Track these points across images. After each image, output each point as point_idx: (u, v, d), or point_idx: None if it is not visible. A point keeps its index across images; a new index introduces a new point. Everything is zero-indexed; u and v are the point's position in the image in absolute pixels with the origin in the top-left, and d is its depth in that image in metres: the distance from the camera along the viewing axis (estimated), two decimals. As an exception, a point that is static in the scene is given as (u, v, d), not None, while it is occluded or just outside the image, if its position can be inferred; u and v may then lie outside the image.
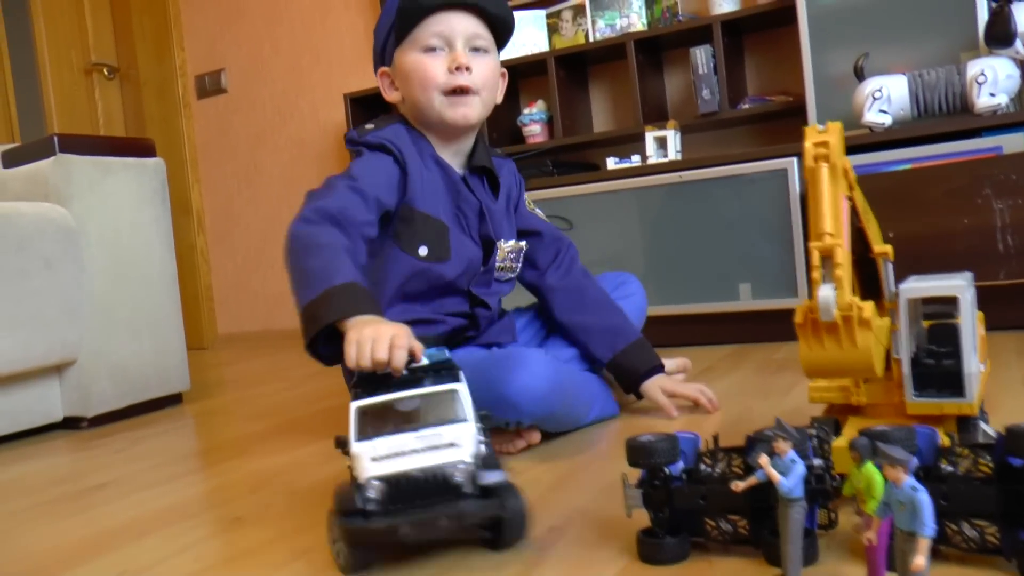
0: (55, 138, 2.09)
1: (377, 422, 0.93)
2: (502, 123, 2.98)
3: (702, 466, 0.87)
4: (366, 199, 1.32)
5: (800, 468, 0.74)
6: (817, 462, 0.80)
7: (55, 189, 2.07)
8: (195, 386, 2.52)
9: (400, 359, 1.00)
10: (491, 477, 0.87)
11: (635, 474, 0.90)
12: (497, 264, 1.52)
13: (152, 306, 2.24)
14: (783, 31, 2.73)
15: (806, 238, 2.15)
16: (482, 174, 1.53)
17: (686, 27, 2.65)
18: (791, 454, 0.75)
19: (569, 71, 2.92)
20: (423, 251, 1.42)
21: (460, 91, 1.40)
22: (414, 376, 1.00)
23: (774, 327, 2.27)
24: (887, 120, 2.11)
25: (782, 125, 2.73)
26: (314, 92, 3.68)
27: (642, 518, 0.88)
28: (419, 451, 0.88)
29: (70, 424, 2.11)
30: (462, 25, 1.40)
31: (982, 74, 2.01)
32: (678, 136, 2.59)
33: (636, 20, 2.84)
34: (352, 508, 0.85)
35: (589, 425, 1.52)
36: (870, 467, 0.71)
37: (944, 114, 2.10)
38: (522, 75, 3.07)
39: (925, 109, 2.10)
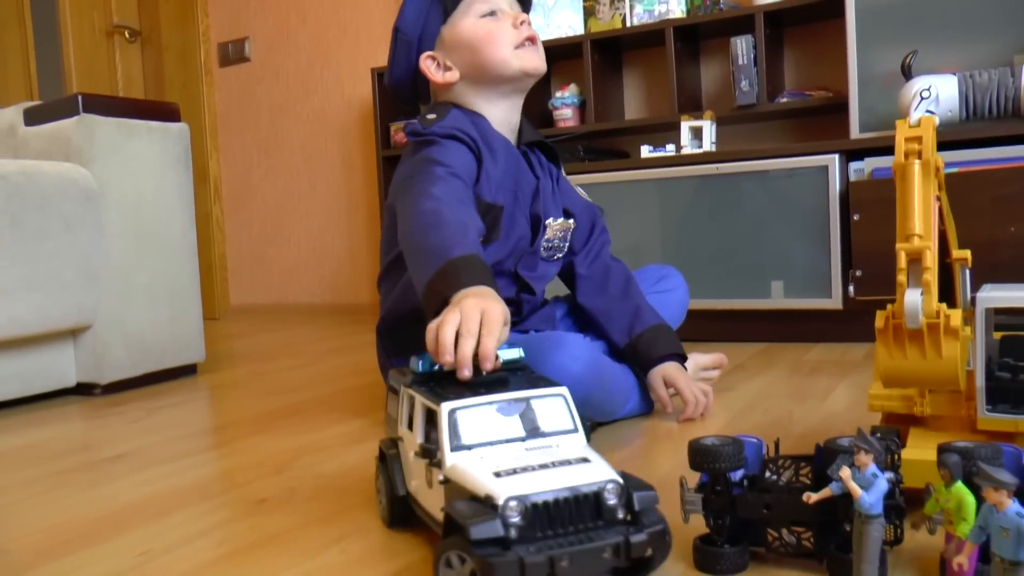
0: (79, 97, 2.04)
1: (469, 429, 0.81)
2: (532, 105, 2.90)
3: (767, 473, 0.82)
4: (465, 182, 1.32)
5: (882, 483, 0.69)
6: (888, 475, 0.76)
7: (77, 149, 2.02)
8: (209, 357, 2.48)
9: (464, 359, 0.90)
10: (646, 499, 0.73)
11: (693, 477, 0.85)
12: (544, 244, 1.50)
13: (171, 274, 2.20)
14: (825, 25, 2.66)
15: (843, 238, 2.11)
16: (538, 149, 1.53)
17: (727, 16, 2.59)
18: (872, 467, 0.70)
19: (604, 56, 2.85)
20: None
21: (528, 41, 1.42)
22: (491, 377, 0.89)
23: (805, 327, 2.22)
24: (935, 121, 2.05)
25: (820, 121, 2.67)
26: (340, 66, 3.62)
27: (698, 524, 0.84)
28: (550, 466, 0.75)
29: (83, 390, 2.07)
30: None
31: (1037, 78, 1.95)
32: (714, 127, 2.53)
33: (675, 6, 2.78)
34: (493, 535, 0.69)
35: (622, 419, 1.47)
36: (961, 487, 0.66)
37: (994, 118, 2.04)
38: (556, 58, 3.00)
39: (974, 111, 2.04)
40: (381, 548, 0.93)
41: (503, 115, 1.46)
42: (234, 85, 3.92)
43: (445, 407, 0.81)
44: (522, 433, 0.82)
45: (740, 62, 2.54)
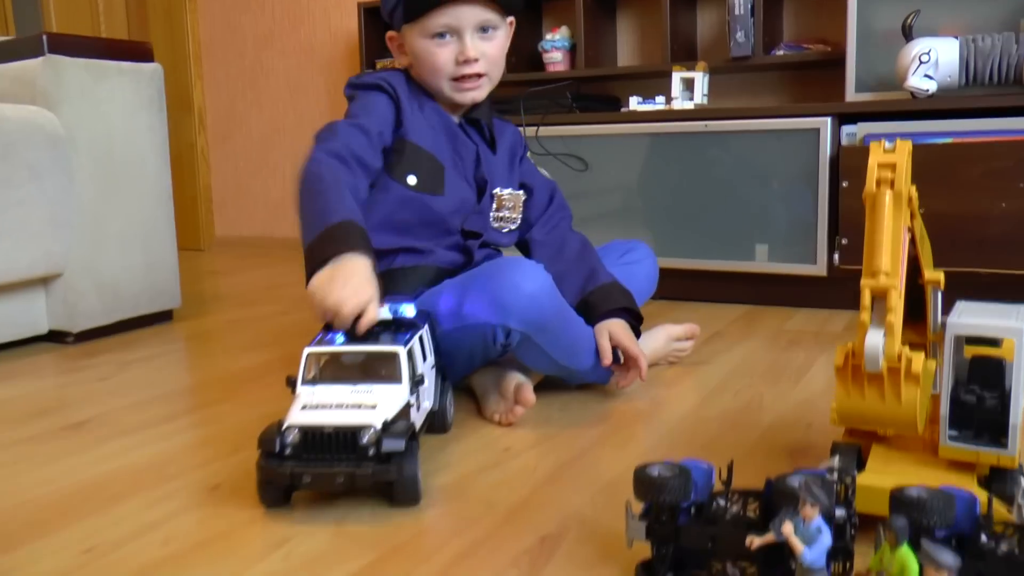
0: (44, 37, 1.96)
1: (323, 369, 1.09)
2: (522, 48, 2.83)
3: (715, 503, 0.80)
4: (368, 133, 1.37)
5: (826, 539, 0.67)
6: (839, 512, 0.74)
7: (43, 92, 1.96)
8: (187, 300, 2.45)
9: (341, 325, 1.09)
10: (391, 445, 0.96)
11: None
12: (494, 213, 1.52)
13: (144, 219, 2.15)
14: (827, -27, 2.56)
15: (831, 203, 2.06)
16: (478, 126, 1.54)
17: (726, -39, 2.48)
18: (818, 521, 0.68)
19: (597, -2, 2.76)
20: (411, 180, 1.43)
21: (472, 77, 1.43)
22: (371, 331, 1.11)
23: (789, 290, 2.19)
24: (932, 87, 1.98)
25: (817, 76, 2.59)
26: (327, -4, 3.51)
27: (643, 546, 0.82)
28: (343, 407, 1.00)
29: (56, 338, 2.04)
30: (470, 16, 1.39)
31: (1040, 45, 1.87)
32: (706, 79, 2.45)
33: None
34: (271, 449, 0.97)
35: (588, 383, 1.48)
36: (906, 552, 0.64)
37: (995, 85, 1.97)
38: (547, -3, 2.91)
39: (974, 78, 1.97)
40: (326, 552, 0.91)
41: (447, 105, 1.50)
42: (218, 13, 3.80)
43: (306, 350, 1.08)
44: (356, 377, 1.07)
45: (737, 11, 2.45)
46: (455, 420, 1.34)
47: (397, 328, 1.13)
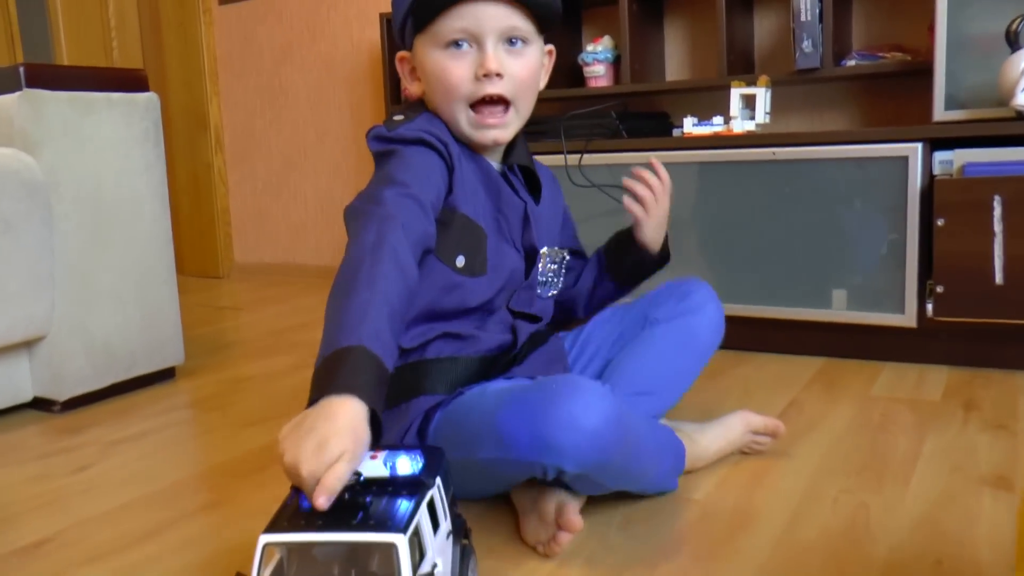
0: (21, 69, 1.73)
1: (292, 564, 0.77)
2: (561, 60, 2.55)
3: None
4: (423, 206, 1.07)
5: None
6: None
7: (21, 132, 1.73)
8: (193, 351, 2.23)
9: (321, 503, 0.75)
10: None
11: None
12: (538, 278, 1.28)
13: (141, 269, 1.92)
14: (903, -29, 2.27)
15: (922, 244, 1.77)
16: (522, 172, 1.27)
17: (789, -39, 2.20)
18: None
19: (643, 4, 2.48)
20: (460, 261, 1.16)
21: (490, 101, 1.14)
22: (358, 502, 0.78)
23: (872, 342, 1.91)
24: (1045, 106, 1.69)
25: (896, 89, 2.30)
26: (348, 7, 3.26)
27: None
28: None
29: (42, 405, 1.82)
30: (493, 18, 1.11)
31: None
32: (769, 95, 2.17)
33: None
34: None
35: (648, 491, 1.21)
36: None
37: (1118, 103, 1.68)
38: (587, 5, 2.64)
39: (1094, 95, 1.68)
40: None
41: (474, 146, 1.21)
42: (235, 25, 3.58)
43: (262, 539, 0.75)
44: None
45: (803, 18, 2.16)
46: (488, 548, 1.08)
47: (396, 490, 0.80)
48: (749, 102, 2.17)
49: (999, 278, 1.67)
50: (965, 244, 1.68)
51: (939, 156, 1.76)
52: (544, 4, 1.14)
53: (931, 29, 2.09)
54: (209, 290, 3.39)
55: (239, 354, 2.29)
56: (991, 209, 1.65)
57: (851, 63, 2.18)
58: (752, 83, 2.18)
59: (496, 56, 1.11)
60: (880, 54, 2.19)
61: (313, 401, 0.83)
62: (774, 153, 1.90)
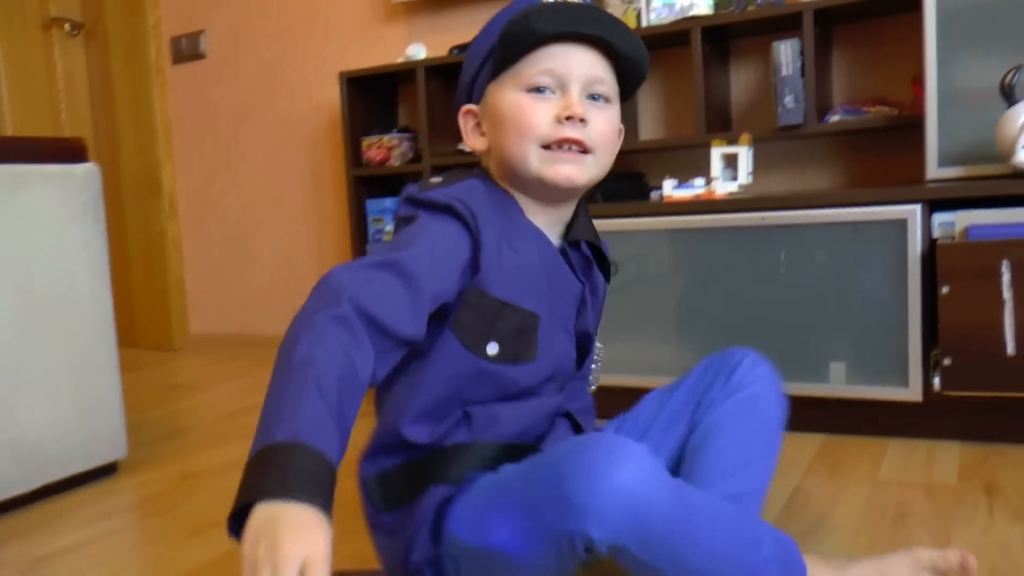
0: (-59, 145, 1.57)
1: None
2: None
3: None
4: (418, 293, 0.91)
5: None
6: None
7: (-59, 213, 1.57)
8: (139, 441, 2.04)
9: None
10: None
11: None
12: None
13: (78, 357, 1.75)
14: (881, 22, 2.18)
15: (925, 313, 1.64)
16: (586, 250, 1.11)
17: (766, 15, 2.11)
18: None
19: (613, 60, 2.37)
20: (492, 349, 1.00)
21: (567, 144, 1.01)
22: None
23: (874, 417, 1.78)
24: (1049, 164, 1.59)
25: (883, 144, 2.21)
26: (306, 65, 3.14)
27: None
28: None
29: (-38, 514, 1.63)
30: (582, 64, 1.01)
31: None
32: (751, 153, 2.06)
33: (700, 0, 2.30)
34: None
35: None
36: None
37: (1126, 159, 1.58)
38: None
39: (1100, 151, 1.58)
40: None
41: (539, 206, 1.07)
42: (189, 85, 3.44)
43: None
44: None
45: (784, 72, 2.07)
46: None
47: None
48: (731, 161, 2.07)
49: (1011, 348, 1.55)
50: (972, 313, 1.56)
51: (939, 218, 1.65)
52: (636, 60, 1.03)
53: (915, 81, 2.01)
54: (162, 365, 3.20)
55: (190, 442, 2.10)
56: (999, 275, 1.53)
57: (835, 118, 2.08)
58: (733, 141, 2.07)
59: (580, 102, 1.00)
60: (864, 108, 2.10)
61: (241, 496, 0.73)
62: (763, 218, 1.78)
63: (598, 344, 1.15)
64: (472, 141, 1.09)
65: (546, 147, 1.01)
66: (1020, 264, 1.52)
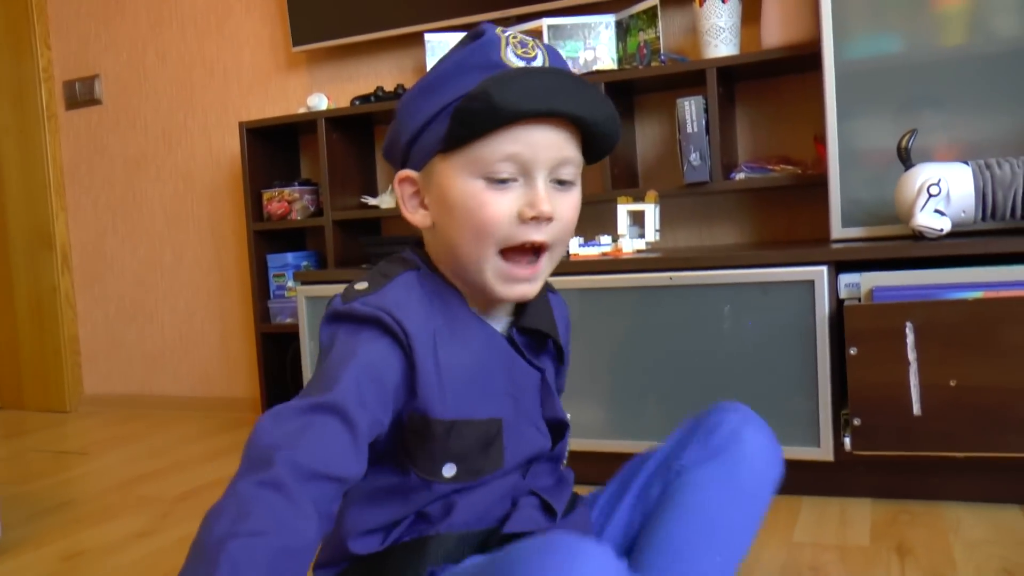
0: None
1: None
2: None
3: None
4: (357, 430, 0.80)
5: None
6: None
7: None
8: (17, 518, 1.89)
9: None
10: None
11: None
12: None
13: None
14: (784, 79, 2.23)
15: (834, 373, 1.63)
16: (536, 335, 1.00)
17: (671, 72, 2.12)
18: None
19: (521, 115, 2.36)
20: (449, 472, 0.91)
21: (528, 250, 0.90)
22: None
23: (787, 476, 1.76)
24: (946, 225, 1.62)
25: (787, 201, 2.24)
26: (206, 114, 3.04)
27: None
28: None
29: None
30: (550, 147, 0.88)
31: (1077, 175, 1.53)
32: (658, 210, 2.06)
33: (604, 54, 2.31)
34: None
35: None
36: None
37: (1018, 220, 1.62)
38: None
39: (993, 212, 1.62)
40: None
41: (482, 300, 0.96)
42: (83, 133, 3.29)
43: None
44: None
45: (689, 129, 2.08)
46: None
47: None
48: (637, 218, 2.06)
49: (916, 409, 1.56)
50: (880, 374, 1.57)
51: (845, 279, 1.66)
52: (611, 135, 0.92)
53: (817, 140, 2.05)
54: (51, 429, 3.01)
55: (75, 517, 1.96)
56: (904, 336, 1.54)
57: (741, 176, 2.10)
58: (639, 197, 2.07)
59: (546, 198, 0.88)
60: (769, 166, 2.12)
61: None
62: (671, 278, 1.77)
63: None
64: (411, 215, 0.96)
65: (504, 251, 0.90)
66: (923, 326, 1.54)
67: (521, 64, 0.88)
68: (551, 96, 0.85)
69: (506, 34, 0.90)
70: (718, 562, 0.98)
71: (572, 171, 0.91)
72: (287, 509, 0.73)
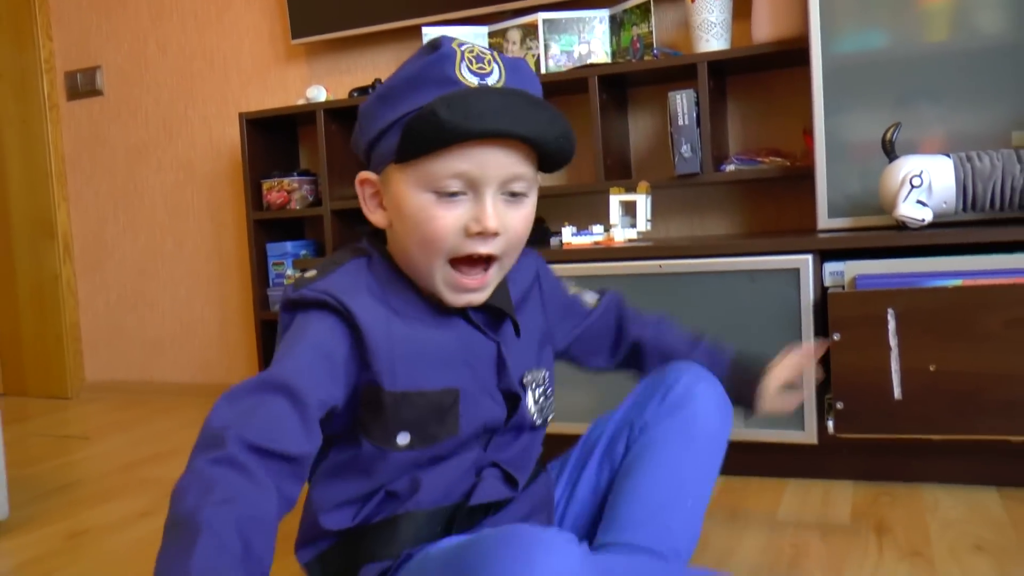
0: None
1: None
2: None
3: None
4: (306, 408, 0.85)
5: None
6: None
7: None
8: (24, 497, 1.94)
9: None
10: None
11: None
12: (532, 409, 1.06)
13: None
14: (774, 74, 2.27)
15: (819, 359, 1.70)
16: (493, 311, 1.04)
17: (663, 66, 2.17)
18: None
19: (516, 107, 2.40)
20: (403, 439, 0.96)
21: (478, 260, 0.95)
22: None
23: (773, 459, 1.82)
24: (928, 215, 1.66)
25: (776, 192, 2.28)
26: (206, 105, 3.08)
27: None
28: None
29: None
30: (500, 166, 0.91)
31: (1053, 167, 1.58)
32: (649, 201, 2.10)
33: (598, 48, 2.35)
34: None
35: None
36: None
37: (997, 211, 1.67)
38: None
39: (974, 203, 1.67)
40: None
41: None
42: (84, 123, 3.33)
43: None
44: None
45: (681, 122, 2.12)
46: None
47: None
48: (629, 209, 2.10)
49: (897, 393, 1.60)
50: (862, 359, 1.61)
51: (829, 267, 1.71)
52: (563, 152, 0.95)
53: (807, 133, 2.09)
54: (53, 414, 3.06)
55: (79, 498, 2.01)
56: (886, 323, 1.59)
57: (731, 167, 2.14)
58: (631, 188, 2.11)
59: (496, 211, 0.92)
60: (758, 159, 2.16)
61: None
62: (660, 266, 1.81)
63: (543, 372, 1.09)
64: (371, 214, 1.01)
65: (453, 260, 0.95)
66: (904, 313, 1.58)
67: (474, 80, 0.90)
68: (499, 117, 0.88)
69: (462, 48, 0.92)
70: (689, 506, 1.07)
71: (524, 185, 0.94)
72: (246, 483, 0.77)
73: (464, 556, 0.84)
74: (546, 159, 0.96)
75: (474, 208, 0.92)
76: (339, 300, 0.92)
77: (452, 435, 0.98)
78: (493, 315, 1.04)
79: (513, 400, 1.04)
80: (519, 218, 0.95)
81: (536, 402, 1.07)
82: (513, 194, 0.94)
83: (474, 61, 0.91)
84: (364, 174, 1.00)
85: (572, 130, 0.95)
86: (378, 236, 1.03)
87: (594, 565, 0.83)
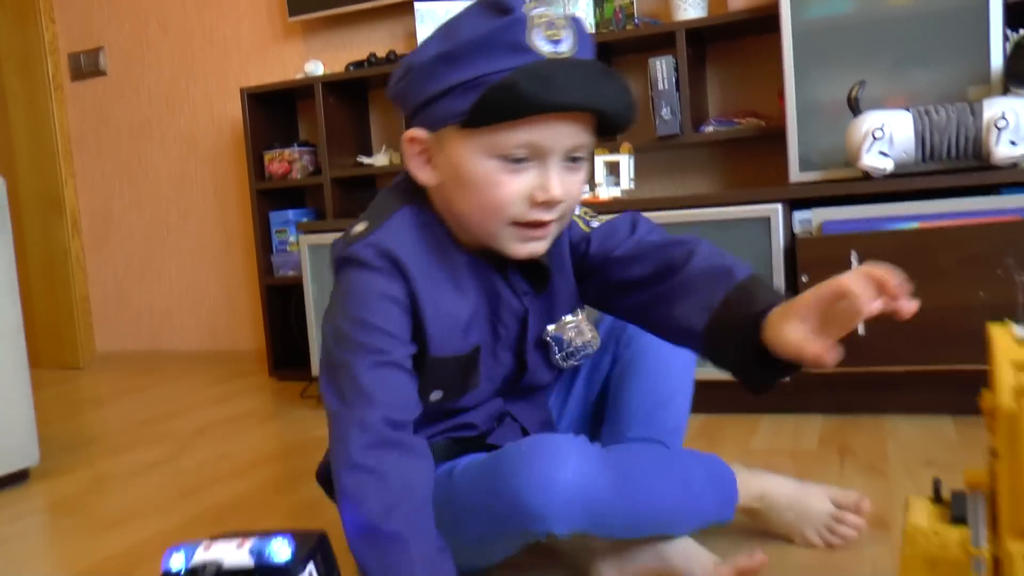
0: None
1: None
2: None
3: None
4: (411, 374, 0.98)
5: None
6: None
7: None
8: (49, 450, 2.06)
9: None
10: None
11: None
12: (562, 353, 1.12)
13: (-13, 367, 1.79)
14: (749, 41, 2.39)
15: (788, 298, 1.83)
16: (532, 272, 1.08)
17: (644, 34, 2.29)
18: None
19: (506, 76, 2.52)
20: (436, 396, 1.06)
21: (540, 227, 0.97)
22: None
23: (748, 396, 1.94)
24: (889, 165, 1.79)
25: (752, 152, 2.40)
26: (207, 80, 3.19)
27: None
28: None
29: None
30: (568, 137, 0.93)
31: (1002, 117, 1.71)
32: (632, 161, 2.23)
33: (582, 16, 2.47)
34: None
35: (696, 528, 1.13)
36: None
37: (953, 160, 1.80)
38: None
39: (931, 153, 1.79)
40: None
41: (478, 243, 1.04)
42: (89, 102, 3.45)
43: None
44: None
45: (660, 87, 2.25)
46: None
47: None
48: (613, 169, 2.23)
49: (861, 329, 1.73)
50: (827, 298, 1.74)
51: (798, 216, 1.84)
52: (628, 122, 0.95)
53: (781, 95, 2.21)
54: (67, 383, 3.19)
55: (101, 450, 2.14)
56: (849, 264, 1.72)
57: (709, 129, 2.27)
58: (615, 150, 2.23)
59: (560, 180, 0.93)
60: (736, 120, 2.29)
61: None
62: (643, 217, 1.94)
63: (575, 318, 1.13)
64: (418, 172, 0.99)
65: (516, 225, 0.96)
66: (867, 254, 1.71)
67: (547, 48, 0.89)
68: (579, 92, 0.89)
69: (534, 12, 0.90)
70: (678, 402, 1.21)
71: (585, 151, 0.97)
72: (410, 459, 0.92)
73: (496, 466, 0.97)
74: (607, 127, 0.97)
75: (539, 176, 0.93)
76: (398, 263, 0.96)
77: (475, 387, 1.09)
78: (531, 275, 1.07)
79: (530, 358, 1.11)
80: (577, 183, 0.98)
81: (568, 345, 1.13)
82: (574, 159, 0.96)
83: (546, 27, 0.89)
84: (413, 131, 0.97)
85: (634, 103, 0.96)
86: (415, 186, 1.03)
87: (607, 456, 0.98)
